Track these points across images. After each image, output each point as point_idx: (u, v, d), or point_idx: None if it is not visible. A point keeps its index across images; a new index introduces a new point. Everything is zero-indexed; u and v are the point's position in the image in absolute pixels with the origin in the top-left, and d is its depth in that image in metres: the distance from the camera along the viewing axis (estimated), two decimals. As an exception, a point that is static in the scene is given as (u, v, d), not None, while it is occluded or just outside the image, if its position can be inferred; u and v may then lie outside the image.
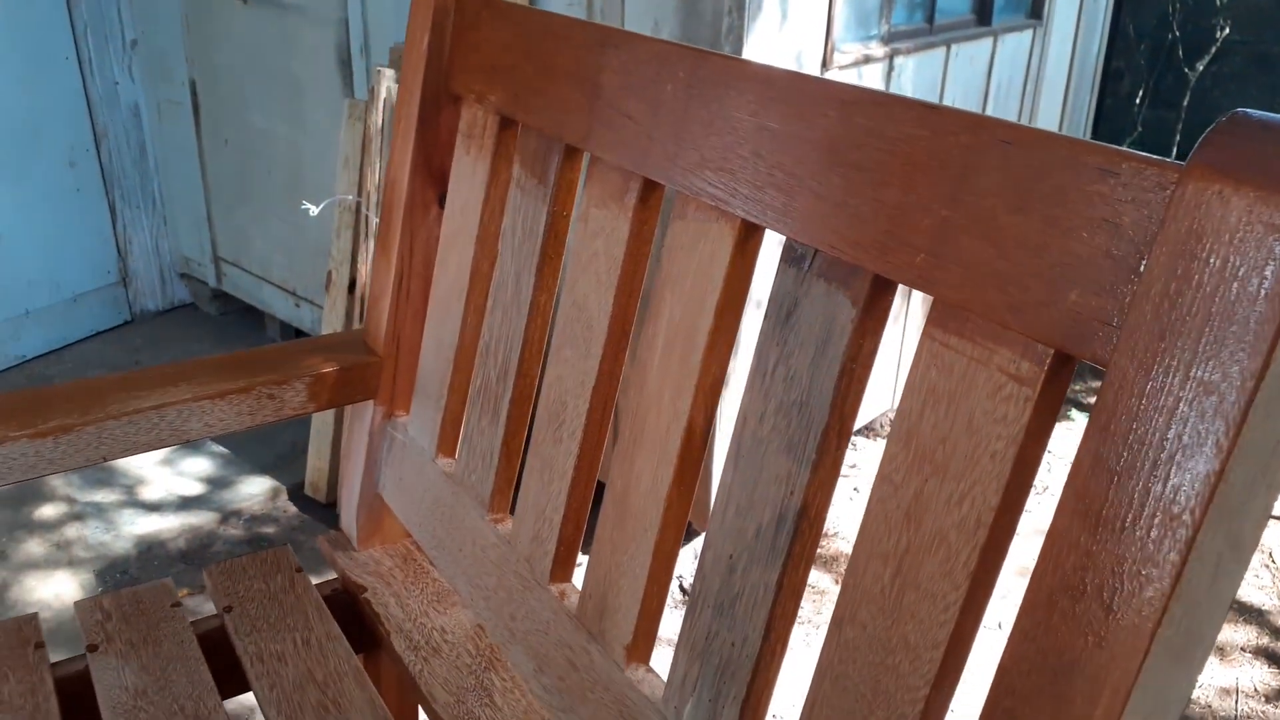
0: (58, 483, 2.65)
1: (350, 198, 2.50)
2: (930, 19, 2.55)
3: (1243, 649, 2.13)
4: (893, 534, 0.52)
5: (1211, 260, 0.38)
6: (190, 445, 2.81)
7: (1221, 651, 2.13)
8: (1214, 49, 3.71)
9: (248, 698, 0.88)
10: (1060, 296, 0.45)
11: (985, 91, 2.79)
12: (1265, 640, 2.16)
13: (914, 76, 2.46)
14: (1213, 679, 2.06)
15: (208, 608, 0.99)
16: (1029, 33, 2.92)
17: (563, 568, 0.78)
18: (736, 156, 0.61)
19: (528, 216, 0.81)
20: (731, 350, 0.65)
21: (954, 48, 2.57)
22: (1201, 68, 3.76)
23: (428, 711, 0.87)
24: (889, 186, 0.52)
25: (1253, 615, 2.23)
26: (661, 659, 1.62)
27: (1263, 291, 0.37)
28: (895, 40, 2.39)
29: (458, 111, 0.89)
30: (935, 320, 0.50)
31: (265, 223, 3.12)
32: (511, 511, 0.86)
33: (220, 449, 2.82)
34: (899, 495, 0.52)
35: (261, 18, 2.81)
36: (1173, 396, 0.39)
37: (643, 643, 0.70)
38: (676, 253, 0.66)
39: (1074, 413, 2.90)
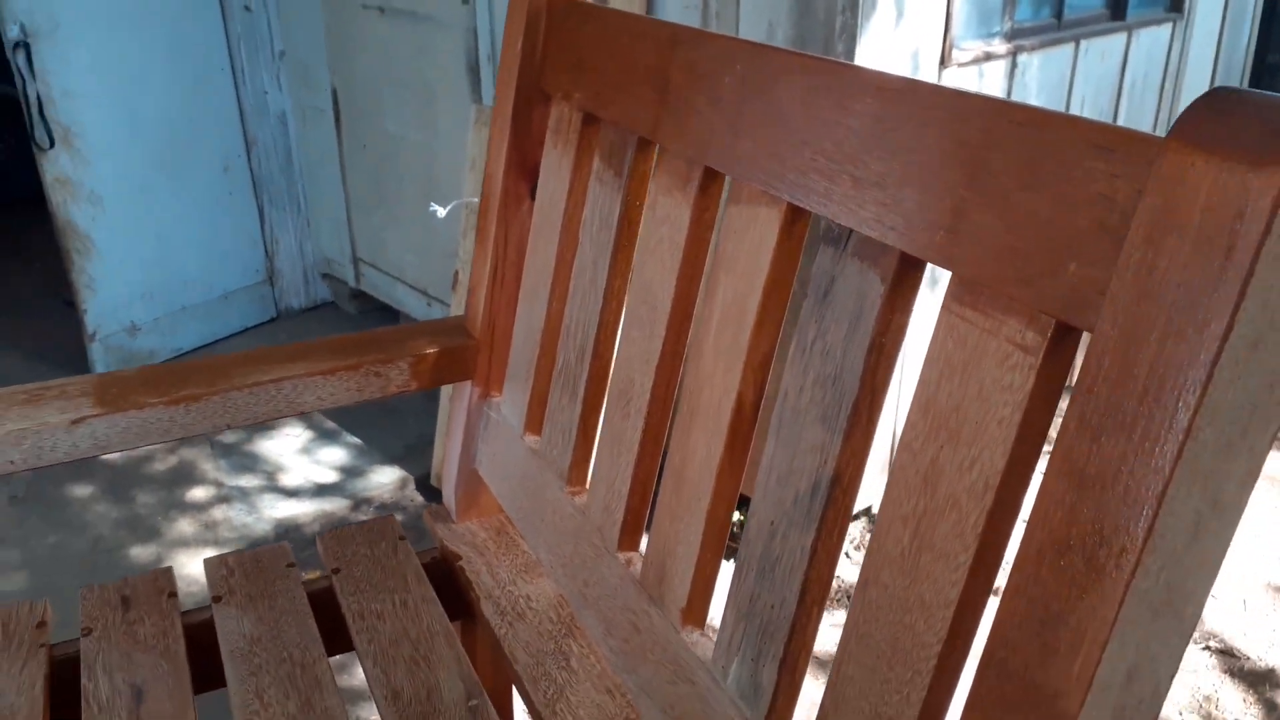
0: (208, 467, 2.84)
1: (476, 199, 2.61)
2: (1059, 14, 2.49)
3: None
4: (911, 498, 0.55)
5: (1184, 228, 0.40)
6: (327, 436, 2.98)
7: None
8: (1372, 40, 3.49)
9: (349, 657, 0.95)
10: (1061, 268, 0.47)
11: (1118, 89, 2.71)
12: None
13: (1039, 74, 2.42)
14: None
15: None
16: (1168, 26, 2.82)
17: (630, 536, 0.83)
18: (785, 144, 0.64)
19: (605, 206, 0.86)
20: (779, 328, 0.68)
21: (1083, 44, 2.51)
22: (1359, 60, 3.54)
23: (510, 673, 0.93)
24: (917, 168, 0.55)
25: None
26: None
27: (1230, 258, 0.38)
28: (1019, 37, 2.35)
29: (548, 109, 0.95)
30: (953, 294, 0.53)
31: (399, 225, 3.27)
32: (588, 485, 0.91)
33: (354, 439, 2.97)
34: (917, 461, 0.54)
35: (396, 27, 2.96)
36: (1147, 359, 0.41)
37: (697, 606, 0.74)
38: (731, 237, 0.70)
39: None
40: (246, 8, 3.24)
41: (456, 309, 2.75)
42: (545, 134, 0.96)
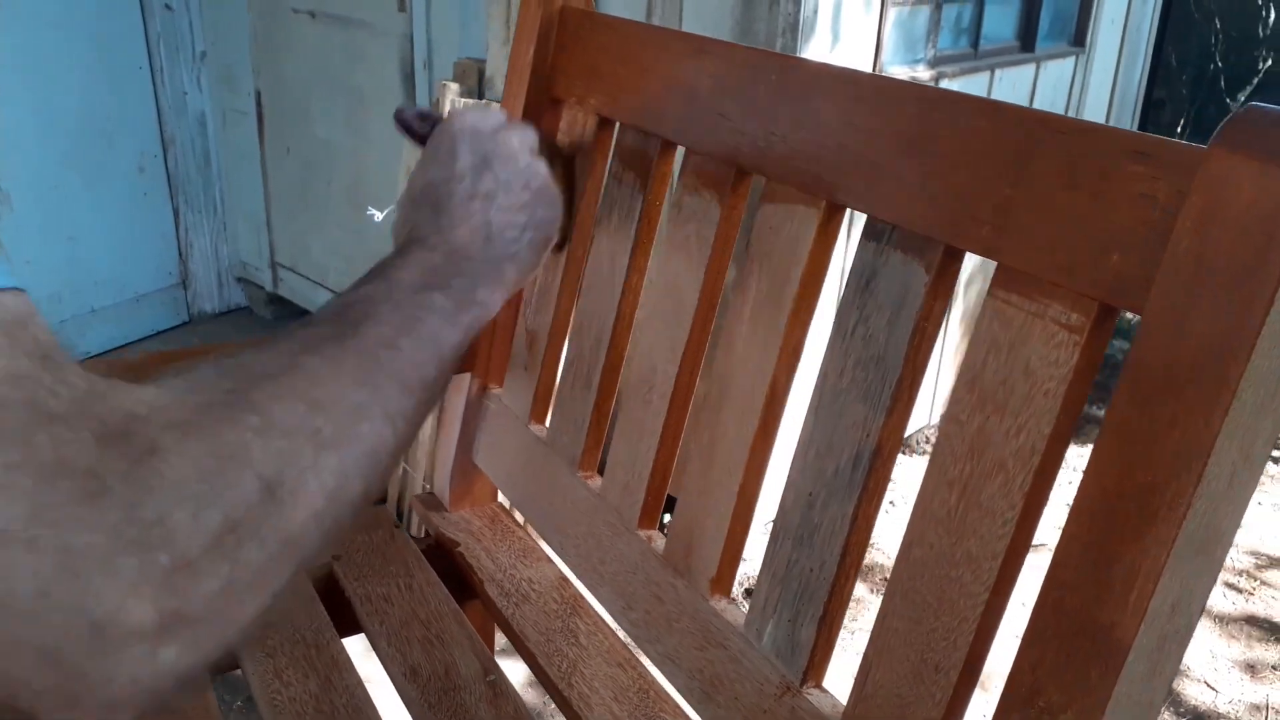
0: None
1: (412, 204, 2.62)
2: (975, 44, 2.64)
3: (1274, 667, 2.19)
4: (958, 464, 0.61)
5: (1228, 222, 0.48)
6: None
7: (1252, 669, 2.19)
8: (1256, 80, 3.78)
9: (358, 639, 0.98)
10: (1105, 258, 0.54)
11: (1024, 115, 2.88)
12: (1295, 658, 2.22)
13: (955, 98, 2.55)
14: (1244, 695, 2.12)
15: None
16: (1071, 60, 3.01)
17: (650, 516, 0.88)
18: (823, 148, 0.71)
19: (624, 205, 0.91)
20: (812, 316, 0.75)
21: (998, 73, 2.67)
22: (1244, 98, 3.82)
23: (521, 650, 0.96)
24: (959, 170, 0.62)
25: (1282, 635, 2.29)
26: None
27: (1270, 246, 0.46)
28: (941, 64, 2.49)
29: (558, 114, 0.99)
30: (999, 282, 0.60)
31: (324, 229, 3.25)
32: (600, 470, 0.96)
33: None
34: (964, 431, 0.61)
35: (328, 32, 2.95)
36: (1197, 332, 0.48)
37: (726, 576, 0.80)
38: (765, 232, 0.76)
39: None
40: (168, 6, 3.19)
41: (388, 314, 2.75)
42: (554, 138, 1.01)
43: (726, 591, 0.80)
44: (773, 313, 0.75)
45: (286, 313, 3.63)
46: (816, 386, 0.72)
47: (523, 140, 0.74)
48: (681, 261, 0.84)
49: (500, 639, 1.11)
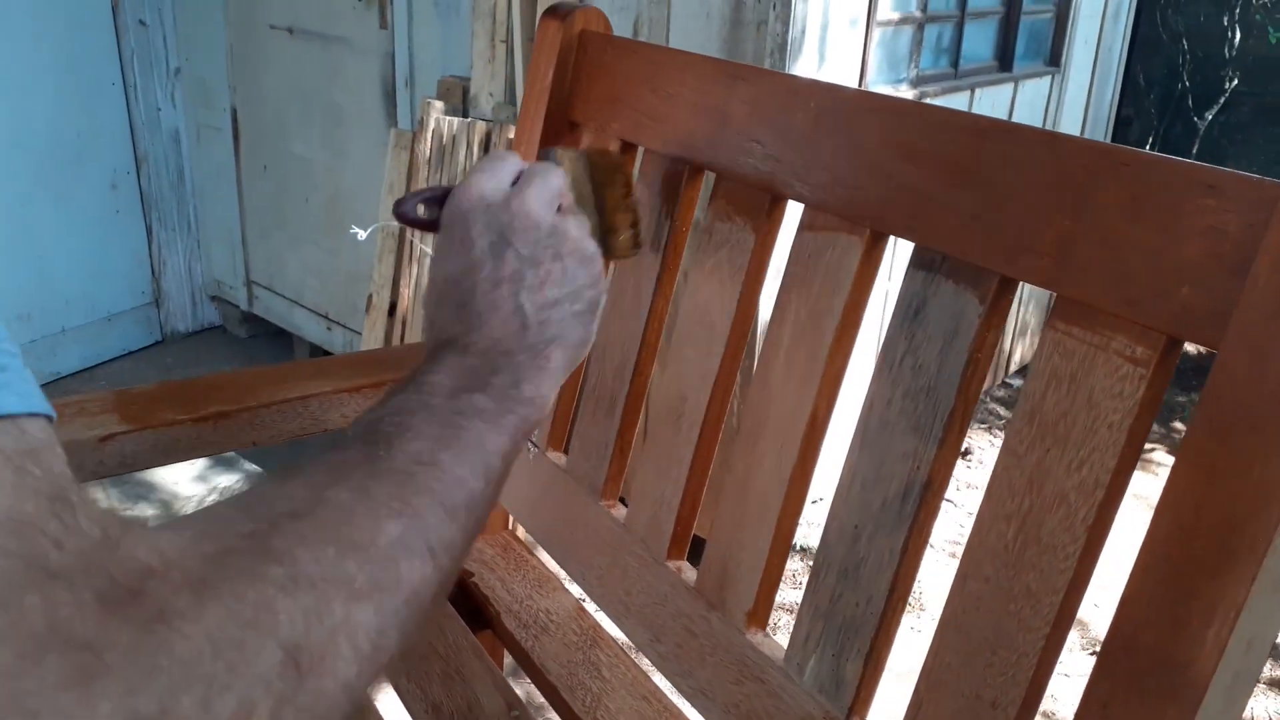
0: (98, 496, 2.72)
1: (395, 224, 2.59)
2: (955, 64, 2.67)
3: (1257, 680, 2.21)
4: (1016, 497, 0.61)
5: (1313, 258, 0.47)
6: (223, 462, 2.88)
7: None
8: (1223, 99, 3.85)
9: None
10: (1173, 291, 0.54)
11: (1002, 134, 2.91)
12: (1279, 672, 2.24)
13: (938, 118, 2.58)
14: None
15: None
16: (1047, 79, 3.05)
17: (679, 546, 0.87)
18: (866, 175, 0.70)
19: (650, 230, 0.90)
20: (854, 345, 0.74)
21: (978, 91, 2.69)
22: (1210, 117, 3.89)
23: (540, 684, 0.95)
24: (1015, 202, 0.61)
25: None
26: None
27: (1356, 282, 0.46)
28: (923, 83, 2.51)
29: (577, 138, 0.98)
30: (1058, 313, 0.59)
31: (300, 247, 3.21)
32: (623, 500, 0.94)
33: (252, 467, 2.89)
34: (1022, 464, 0.60)
35: (307, 49, 2.92)
36: (1275, 370, 0.48)
37: (763, 609, 0.79)
38: (804, 259, 0.76)
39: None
40: (141, 22, 3.15)
41: (370, 332, 2.72)
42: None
43: (763, 624, 0.79)
44: (813, 342, 0.74)
45: (261, 331, 3.59)
46: (861, 417, 0.71)
47: (540, 198, 0.62)
48: (713, 288, 0.83)
49: (506, 662, 1.09)
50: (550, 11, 0.98)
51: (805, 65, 2.14)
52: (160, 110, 3.31)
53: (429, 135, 2.48)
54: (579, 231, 0.64)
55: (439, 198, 0.66)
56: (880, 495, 0.69)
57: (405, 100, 2.72)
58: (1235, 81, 3.81)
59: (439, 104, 2.49)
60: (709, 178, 0.86)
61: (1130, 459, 0.57)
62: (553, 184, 0.64)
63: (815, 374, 0.74)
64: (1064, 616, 0.59)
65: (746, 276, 0.80)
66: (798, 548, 2.49)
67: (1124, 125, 4.00)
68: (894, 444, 0.68)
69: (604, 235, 0.70)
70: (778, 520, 0.76)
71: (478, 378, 0.57)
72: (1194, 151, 3.92)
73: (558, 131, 0.99)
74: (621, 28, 2.22)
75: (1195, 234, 0.53)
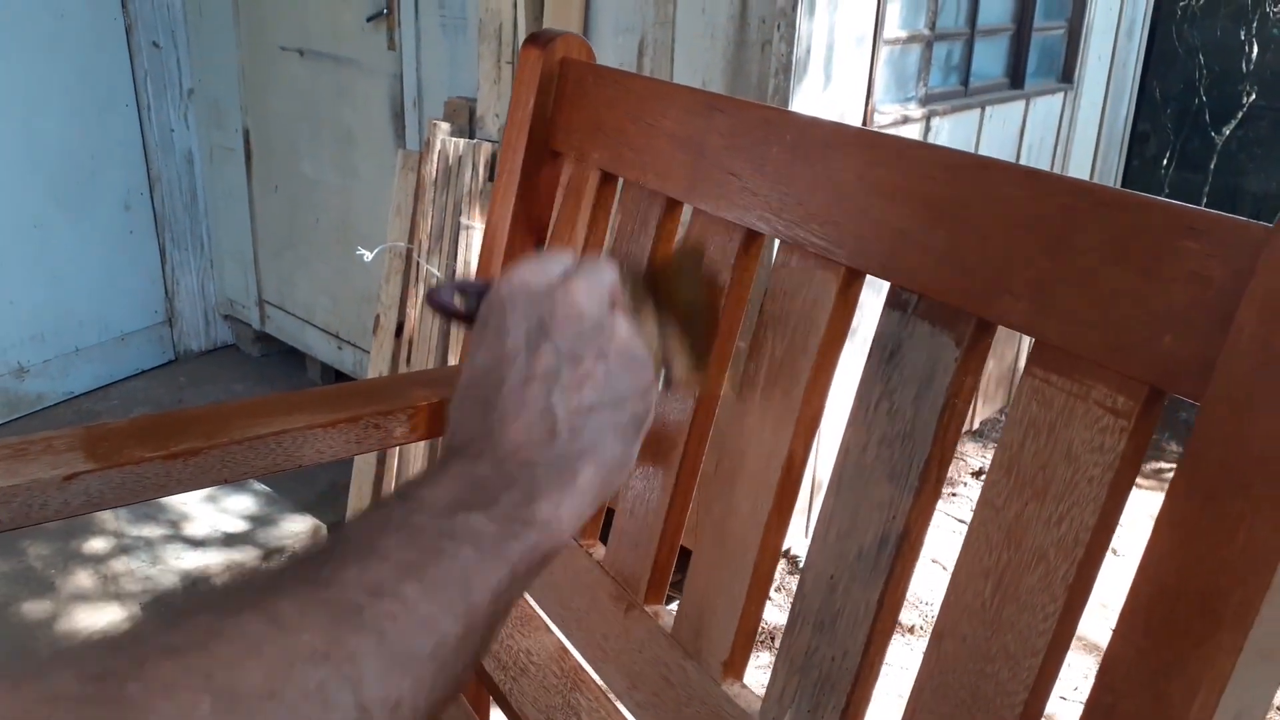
0: (106, 516, 2.71)
1: (402, 245, 2.58)
2: (965, 82, 2.63)
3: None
4: (993, 552, 0.58)
5: (1298, 308, 0.44)
6: (233, 484, 2.88)
7: None
8: (1240, 114, 3.79)
9: None
10: (1155, 339, 0.51)
11: (1017, 152, 2.87)
12: None
13: (949, 137, 2.55)
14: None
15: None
16: (1060, 96, 3.01)
17: (656, 591, 0.84)
18: (842, 212, 0.67)
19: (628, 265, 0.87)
20: (830, 386, 0.71)
21: (988, 110, 2.65)
22: (1228, 132, 3.84)
23: (518, 728, 0.92)
24: (992, 241, 0.58)
25: None
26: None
27: (1344, 335, 0.43)
28: (932, 102, 2.47)
29: (558, 167, 0.96)
30: (1035, 359, 0.56)
31: (311, 267, 3.21)
32: (601, 539, 0.91)
33: (262, 487, 2.88)
34: (1000, 518, 0.57)
35: (317, 70, 2.92)
36: (1264, 426, 0.45)
37: (739, 659, 0.76)
38: (779, 297, 0.73)
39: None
40: (155, 44, 3.16)
41: (377, 353, 2.71)
42: (554, 190, 0.97)
43: (739, 675, 0.76)
44: (789, 381, 0.72)
45: (274, 350, 3.59)
46: (837, 463, 0.68)
47: (591, 290, 0.53)
48: (690, 324, 0.80)
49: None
50: (531, 39, 0.96)
51: (811, 85, 2.11)
52: (173, 131, 3.32)
53: (435, 156, 2.47)
54: (630, 333, 0.54)
55: (478, 290, 0.59)
56: (856, 545, 0.66)
57: (414, 121, 2.72)
58: (1253, 96, 3.75)
59: (445, 125, 2.48)
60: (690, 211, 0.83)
61: (1112, 514, 0.54)
62: (605, 277, 0.54)
63: (791, 415, 0.71)
64: (1043, 680, 0.55)
65: (724, 313, 0.78)
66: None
67: (1141, 141, 3.95)
68: (870, 492, 0.65)
69: (665, 353, 0.60)
70: (754, 567, 0.74)
71: (484, 492, 0.47)
72: (1212, 166, 3.86)
73: (540, 161, 0.96)
74: (626, 50, 2.20)
75: (1178, 279, 0.50)
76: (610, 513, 0.91)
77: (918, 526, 0.63)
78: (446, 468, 0.48)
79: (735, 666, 0.76)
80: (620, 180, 0.90)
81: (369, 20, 2.69)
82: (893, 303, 0.65)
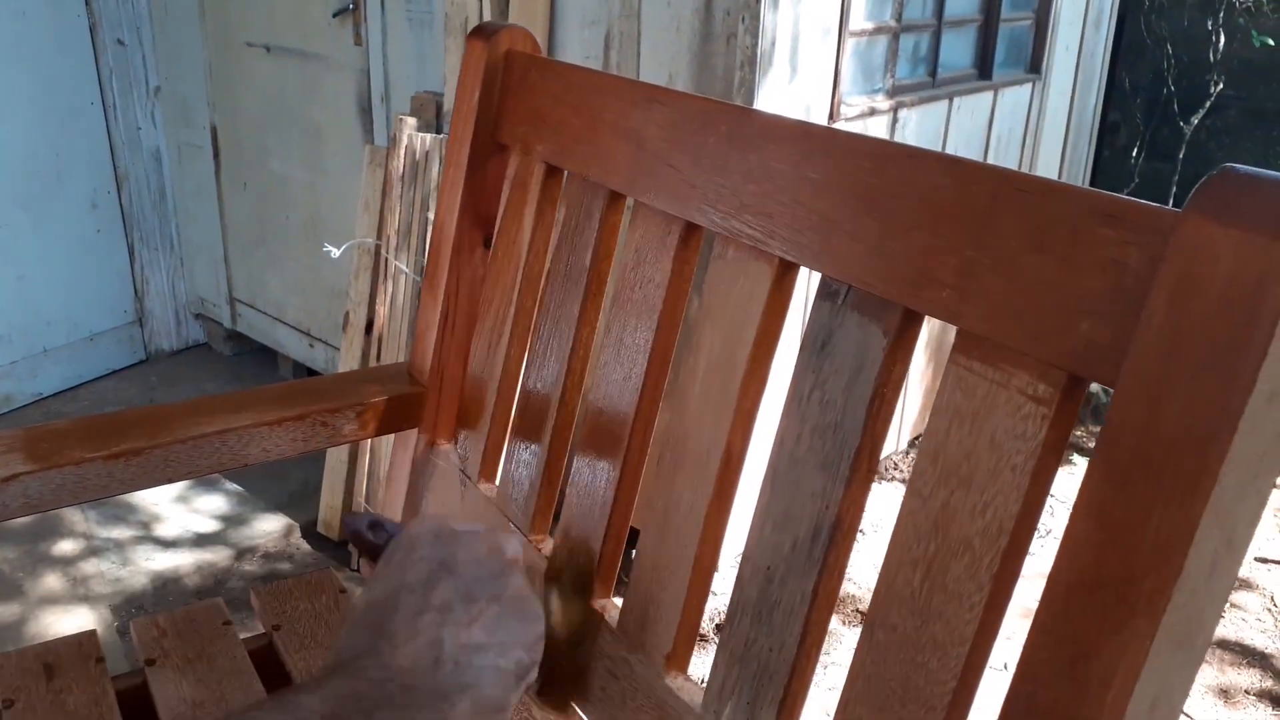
0: (76, 518, 2.69)
1: (370, 241, 2.57)
2: (933, 73, 2.63)
3: (1246, 691, 2.17)
4: (921, 542, 0.57)
5: (1207, 294, 0.44)
6: (205, 483, 2.85)
7: (1226, 694, 2.17)
8: (1208, 103, 3.81)
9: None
10: (1073, 326, 0.51)
11: (986, 143, 2.88)
12: (1269, 683, 2.20)
13: (917, 128, 2.55)
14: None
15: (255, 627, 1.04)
16: (1028, 86, 3.01)
17: (604, 584, 0.84)
18: (776, 203, 0.67)
19: (572, 257, 0.87)
20: (767, 378, 0.71)
21: (956, 101, 2.66)
22: (1196, 121, 3.86)
23: (469, 724, 0.91)
24: (919, 230, 0.58)
25: (1256, 659, 2.27)
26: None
27: (1253, 320, 0.43)
28: (899, 94, 2.48)
29: (504, 160, 0.96)
30: (960, 348, 0.56)
31: (281, 265, 3.19)
32: (551, 533, 0.91)
33: (234, 487, 2.86)
34: (927, 507, 0.57)
35: (284, 66, 2.90)
36: (1174, 411, 0.45)
37: (682, 652, 0.75)
38: (716, 290, 0.72)
39: (1075, 457, 2.96)
40: (120, 42, 3.13)
41: (347, 350, 2.70)
42: (500, 184, 0.97)
43: (683, 668, 0.76)
44: (726, 374, 0.71)
45: (246, 349, 3.56)
46: (773, 454, 0.68)
47: (498, 544, 0.59)
48: (632, 318, 0.80)
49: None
50: (476, 32, 0.95)
51: (777, 78, 2.11)
52: (140, 129, 3.29)
53: (402, 151, 2.45)
54: (527, 588, 0.58)
55: (390, 527, 0.64)
56: (791, 536, 0.66)
57: (381, 116, 2.70)
58: (1221, 85, 3.77)
59: (412, 120, 2.47)
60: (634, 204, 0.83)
61: (1036, 503, 0.54)
62: (514, 541, 0.61)
63: (729, 407, 0.71)
64: (970, 670, 0.55)
65: (663, 306, 0.77)
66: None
67: (1111, 131, 3.97)
68: (804, 483, 0.65)
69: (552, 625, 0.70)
70: (695, 559, 0.73)
71: (357, 706, 0.47)
72: (1181, 155, 3.88)
73: (486, 154, 0.96)
74: (593, 43, 2.20)
75: (1095, 265, 0.50)
76: (560, 505, 0.90)
77: (850, 516, 0.63)
78: (329, 679, 0.49)
79: (679, 659, 0.76)
80: (566, 173, 0.90)
81: (335, 15, 2.67)
82: (824, 294, 0.65)
